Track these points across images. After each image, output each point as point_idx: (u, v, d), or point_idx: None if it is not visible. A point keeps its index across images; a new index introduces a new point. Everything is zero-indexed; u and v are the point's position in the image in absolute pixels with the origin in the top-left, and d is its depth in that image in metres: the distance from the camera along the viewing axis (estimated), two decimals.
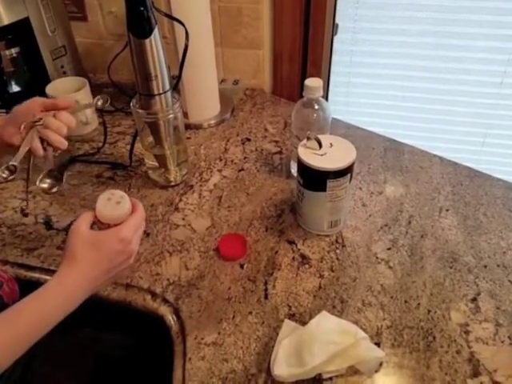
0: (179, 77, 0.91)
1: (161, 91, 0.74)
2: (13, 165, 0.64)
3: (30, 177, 0.71)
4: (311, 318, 0.58)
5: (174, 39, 0.90)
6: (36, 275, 0.70)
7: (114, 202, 0.56)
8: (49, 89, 0.95)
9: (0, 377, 0.55)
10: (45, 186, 0.72)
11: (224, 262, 0.69)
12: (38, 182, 0.71)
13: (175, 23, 0.86)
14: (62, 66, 1.05)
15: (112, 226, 0.55)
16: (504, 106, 1.12)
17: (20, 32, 0.98)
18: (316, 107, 0.77)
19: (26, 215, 0.80)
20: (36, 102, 0.67)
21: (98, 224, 0.56)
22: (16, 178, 0.82)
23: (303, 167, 0.67)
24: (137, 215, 0.56)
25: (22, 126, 0.65)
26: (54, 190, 0.74)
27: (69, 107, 0.67)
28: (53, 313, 0.51)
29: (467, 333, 0.59)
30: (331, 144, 0.69)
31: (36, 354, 0.64)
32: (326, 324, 0.56)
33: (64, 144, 0.65)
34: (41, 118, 0.65)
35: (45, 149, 0.66)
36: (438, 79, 1.12)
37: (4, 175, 0.64)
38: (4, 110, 1.01)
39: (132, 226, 0.55)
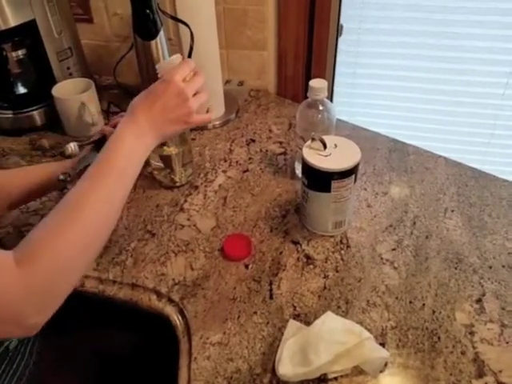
0: None
1: None
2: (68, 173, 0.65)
3: None
4: (316, 318, 0.58)
5: (180, 41, 0.90)
6: None
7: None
8: (55, 90, 0.96)
9: (11, 377, 0.56)
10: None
11: (229, 263, 0.70)
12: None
13: (180, 25, 0.87)
14: (68, 68, 1.05)
15: None
16: (509, 107, 1.12)
17: (26, 34, 0.98)
18: (320, 108, 0.77)
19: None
20: None
21: None
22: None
23: (308, 168, 0.67)
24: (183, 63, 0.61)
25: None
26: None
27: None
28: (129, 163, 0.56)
29: (472, 333, 0.59)
30: (336, 145, 0.69)
31: (44, 354, 0.65)
32: (330, 324, 0.56)
33: None
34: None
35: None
36: (443, 80, 1.12)
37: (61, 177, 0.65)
38: (11, 111, 1.02)
39: (178, 73, 0.59)
